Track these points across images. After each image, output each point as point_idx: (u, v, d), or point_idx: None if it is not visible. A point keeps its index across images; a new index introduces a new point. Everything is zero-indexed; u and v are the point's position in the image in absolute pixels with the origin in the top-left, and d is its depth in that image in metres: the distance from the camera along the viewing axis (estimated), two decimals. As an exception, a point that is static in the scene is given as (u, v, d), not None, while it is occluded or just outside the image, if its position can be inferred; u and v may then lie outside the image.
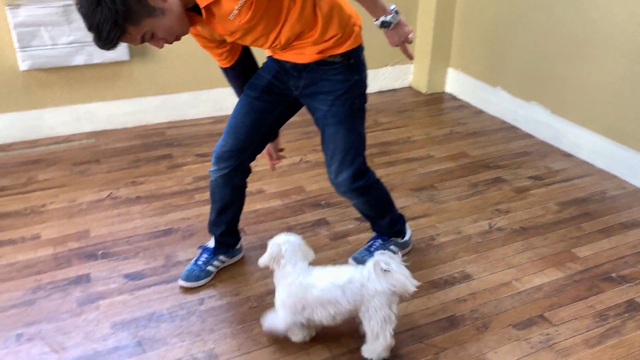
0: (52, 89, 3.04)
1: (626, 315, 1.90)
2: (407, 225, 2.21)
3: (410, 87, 3.99)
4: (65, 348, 1.75)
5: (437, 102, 3.77)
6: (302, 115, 3.49)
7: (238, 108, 1.86)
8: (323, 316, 1.65)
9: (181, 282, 2.01)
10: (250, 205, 2.53)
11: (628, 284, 2.04)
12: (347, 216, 2.46)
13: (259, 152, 1.95)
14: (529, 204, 2.56)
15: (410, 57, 1.78)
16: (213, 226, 2.07)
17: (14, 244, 2.24)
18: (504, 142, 3.17)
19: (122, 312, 1.90)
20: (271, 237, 2.29)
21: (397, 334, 1.80)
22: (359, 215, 2.46)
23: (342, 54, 1.72)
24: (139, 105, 3.26)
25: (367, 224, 2.40)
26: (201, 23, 1.58)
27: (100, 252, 2.19)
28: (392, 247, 2.11)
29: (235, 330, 1.84)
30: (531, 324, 1.86)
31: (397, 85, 3.96)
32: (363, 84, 1.83)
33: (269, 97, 1.83)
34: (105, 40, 1.39)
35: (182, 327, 1.85)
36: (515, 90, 3.35)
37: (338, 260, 2.17)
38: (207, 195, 2.60)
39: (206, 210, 2.48)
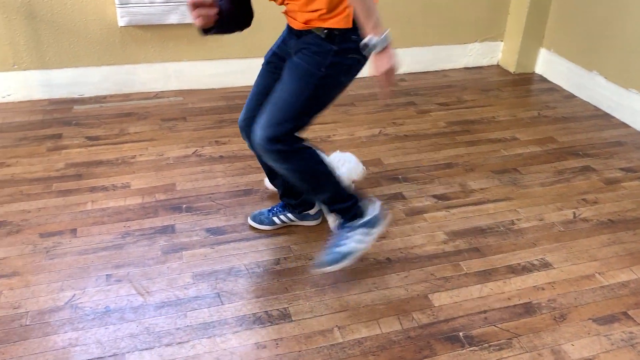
0: (146, 45, 3.16)
1: None
2: (375, 204, 1.88)
3: (498, 66, 3.84)
4: (150, 292, 1.86)
5: (525, 82, 3.62)
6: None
7: (256, 78, 1.90)
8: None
9: (248, 220, 2.19)
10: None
11: None
12: (425, 192, 2.43)
13: None
14: (619, 196, 2.43)
15: (384, 96, 1.68)
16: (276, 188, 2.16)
17: (106, 190, 2.38)
18: (595, 130, 3.00)
19: (203, 264, 1.98)
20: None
21: (469, 315, 1.80)
22: (437, 192, 2.44)
23: (326, 29, 1.62)
24: (226, 68, 3.33)
25: (445, 202, 2.37)
26: None
27: (184, 206, 2.29)
28: (357, 230, 1.84)
29: (308, 293, 1.88)
30: (613, 320, 1.78)
31: (484, 62, 3.82)
32: (343, 62, 1.64)
33: (275, 60, 1.82)
34: None
35: (258, 283, 1.91)
36: (613, 76, 3.14)
37: (413, 235, 2.16)
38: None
39: (285, 174, 2.53)
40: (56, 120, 2.93)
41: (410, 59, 3.63)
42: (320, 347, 1.67)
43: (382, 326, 1.76)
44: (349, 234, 1.84)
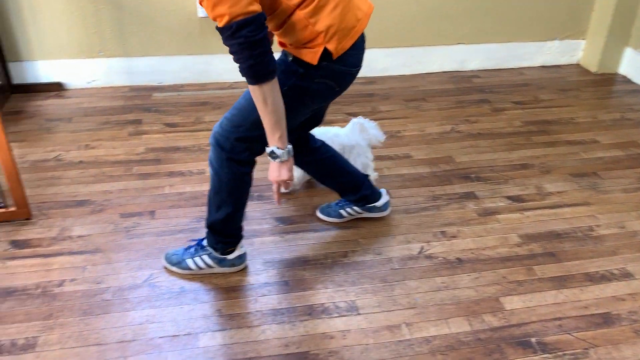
0: (222, 37, 3.24)
1: None
2: (241, 249, 1.90)
3: (578, 65, 3.68)
4: (222, 275, 1.91)
5: (607, 83, 3.44)
6: (457, 83, 3.39)
7: None
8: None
9: (317, 212, 2.22)
10: (396, 169, 2.53)
11: None
12: (498, 193, 2.37)
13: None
14: None
15: (277, 202, 1.71)
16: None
17: (182, 175, 2.46)
18: (685, 136, 2.83)
19: (273, 252, 2.02)
20: (416, 203, 2.30)
21: (542, 321, 1.74)
22: (511, 193, 2.37)
23: (295, 58, 1.61)
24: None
25: (520, 204, 2.30)
26: None
27: (256, 194, 2.33)
28: (204, 256, 1.88)
29: (376, 287, 1.88)
30: (701, 339, 1.68)
31: (563, 61, 3.67)
32: (309, 87, 1.62)
33: None
34: None
35: (326, 274, 1.93)
36: None
37: (485, 237, 2.12)
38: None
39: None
40: (137, 106, 3.06)
41: (484, 55, 3.54)
42: (388, 342, 1.67)
43: (451, 326, 1.73)
44: (202, 255, 1.88)
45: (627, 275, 1.93)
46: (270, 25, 1.58)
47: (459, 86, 3.37)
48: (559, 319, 1.76)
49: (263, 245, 2.06)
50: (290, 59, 1.62)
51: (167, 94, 3.21)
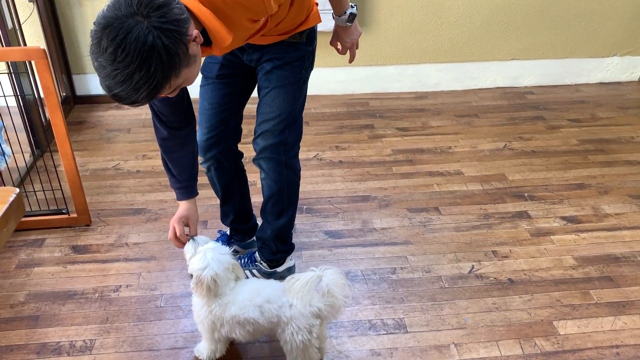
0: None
1: None
2: (292, 260, 1.95)
3: (638, 82, 3.55)
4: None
5: (671, 101, 3.31)
6: (510, 99, 3.33)
7: (202, 94, 1.74)
8: (242, 334, 1.52)
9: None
10: (447, 186, 2.51)
11: None
12: (553, 213, 2.30)
13: (240, 131, 1.84)
14: None
15: (352, 58, 1.76)
16: (223, 216, 2.01)
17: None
18: None
19: (320, 265, 2.03)
20: (467, 221, 2.27)
21: (599, 348, 1.68)
22: (567, 214, 2.30)
23: (301, 33, 1.60)
24: (349, 75, 3.38)
25: (575, 225, 2.23)
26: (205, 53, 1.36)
27: (305, 207, 2.36)
28: (254, 270, 1.92)
29: (425, 306, 1.86)
30: None
31: (623, 78, 3.55)
32: (313, 55, 1.70)
33: (227, 73, 1.69)
34: (144, 97, 1.12)
35: (374, 291, 1.92)
36: None
37: (539, 258, 2.06)
38: (405, 169, 2.65)
39: (403, 183, 2.53)
40: (360, 112, 3.14)
41: (539, 71, 3.46)
42: (436, 362, 1.65)
43: (502, 348, 1.69)
44: (252, 269, 1.92)
45: (692, 304, 1.83)
46: (281, 17, 1.50)
47: (512, 102, 3.31)
48: (617, 346, 1.69)
49: (311, 258, 2.07)
50: (303, 39, 1.60)
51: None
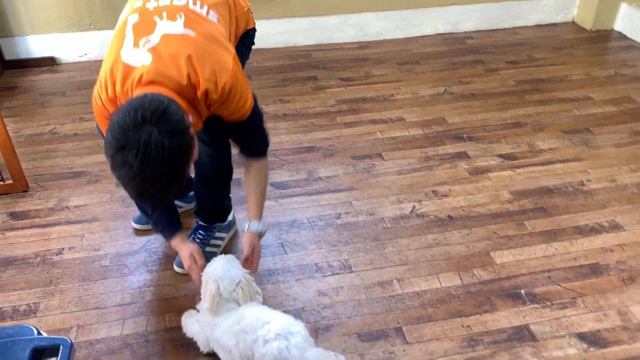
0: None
1: None
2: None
3: (573, 22, 3.64)
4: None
5: (602, 40, 3.41)
6: (451, 45, 3.37)
7: None
8: (224, 356, 1.43)
9: (134, 224, 1.99)
10: (389, 132, 2.54)
11: None
12: (490, 152, 2.38)
13: None
14: (703, 159, 2.29)
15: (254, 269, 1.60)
16: None
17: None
18: (678, 89, 2.82)
19: (267, 216, 2.04)
20: (409, 164, 2.32)
21: (532, 273, 1.77)
22: (502, 152, 2.38)
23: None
24: (290, 26, 3.34)
25: (512, 162, 2.31)
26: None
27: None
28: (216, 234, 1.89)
29: (368, 246, 1.91)
30: (687, 285, 1.71)
31: (558, 19, 3.63)
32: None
33: None
34: (175, 188, 1.24)
35: (320, 236, 1.96)
36: (703, 31, 2.91)
37: (476, 194, 2.14)
38: (348, 118, 2.67)
39: (347, 132, 2.56)
40: (302, 64, 3.12)
41: (479, 16, 3.50)
42: (380, 297, 1.71)
43: (442, 280, 1.77)
44: (215, 235, 1.89)
45: (616, 227, 1.95)
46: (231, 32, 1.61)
47: (453, 48, 3.35)
48: (548, 270, 1.79)
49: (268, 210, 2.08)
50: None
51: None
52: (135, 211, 2.00)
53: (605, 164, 2.28)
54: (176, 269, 1.81)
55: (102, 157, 2.38)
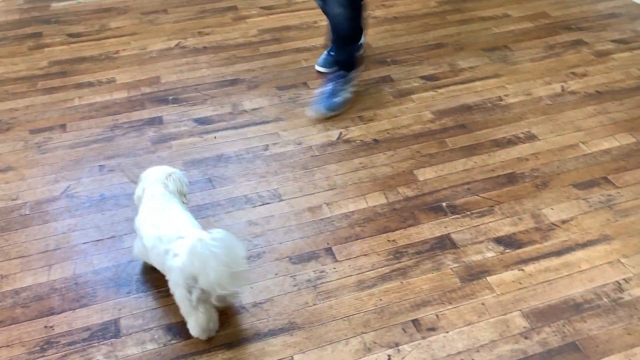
0: None
1: (697, 182, 1.84)
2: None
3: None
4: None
5: (520, -43, 3.44)
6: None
7: None
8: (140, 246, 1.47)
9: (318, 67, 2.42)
10: (314, 60, 2.51)
11: None
12: (413, 74, 2.41)
13: None
14: (609, 68, 2.41)
15: None
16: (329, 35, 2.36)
17: (91, 86, 2.36)
18: (590, 3, 2.91)
19: (193, 153, 2.02)
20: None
21: (452, 187, 1.85)
22: (424, 73, 2.41)
23: None
24: (205, -45, 3.16)
25: (434, 82, 2.35)
26: None
27: (171, 97, 2.28)
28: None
29: (297, 174, 1.93)
30: (593, 185, 1.84)
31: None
32: None
33: None
34: None
35: (248, 168, 1.96)
36: (612, -57, 2.99)
37: (400, 117, 2.17)
38: (272, 48, 2.61)
39: (271, 63, 2.51)
40: (35, 18, 2.85)
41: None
42: (310, 221, 1.75)
43: (369, 201, 1.82)
44: (344, 85, 2.22)
45: (531, 138, 2.05)
46: None
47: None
48: (468, 183, 1.87)
49: (182, 147, 2.05)
50: None
51: (66, 2, 2.99)
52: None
53: (521, 78, 2.36)
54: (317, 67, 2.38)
55: (12, 104, 2.25)
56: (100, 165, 1.97)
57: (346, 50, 2.23)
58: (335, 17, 2.13)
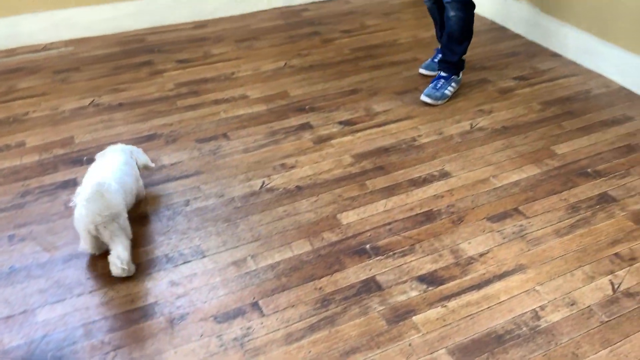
0: (25, -6, 2.93)
1: (597, 207, 1.97)
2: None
3: (398, -11, 3.85)
4: (56, 247, 1.82)
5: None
6: (287, 18, 3.41)
7: None
8: None
9: (421, 70, 2.82)
10: (233, 111, 2.53)
11: (602, 178, 2.10)
12: (331, 120, 2.47)
13: None
14: (513, 104, 2.57)
15: None
16: (439, 37, 2.78)
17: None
18: (492, 43, 3.12)
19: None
20: (255, 141, 2.33)
21: (375, 228, 1.89)
22: (342, 118, 2.48)
23: None
24: (117, 11, 3.15)
25: (351, 127, 2.42)
26: None
27: (85, 158, 2.21)
28: (452, 84, 2.61)
29: (220, 228, 1.90)
30: (505, 217, 1.93)
31: (385, -14, 3.82)
32: None
33: None
34: None
35: (168, 226, 1.91)
36: (505, -11, 3.24)
37: (321, 162, 2.21)
38: (189, 101, 2.62)
39: (189, 116, 2.50)
40: None
41: (311, -12, 3.58)
42: (235, 276, 1.72)
43: (294, 249, 1.82)
44: (452, 83, 2.60)
45: (445, 175, 2.13)
46: None
47: (289, 21, 3.39)
48: (389, 223, 1.91)
49: (99, 208, 1.97)
50: None
51: (-30, 65, 2.87)
52: None
53: (433, 118, 2.47)
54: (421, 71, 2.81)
55: None
56: (9, 235, 1.86)
57: (454, 52, 2.55)
58: (448, 19, 2.48)
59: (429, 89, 2.58)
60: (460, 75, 2.66)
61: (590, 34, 2.80)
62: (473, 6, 2.48)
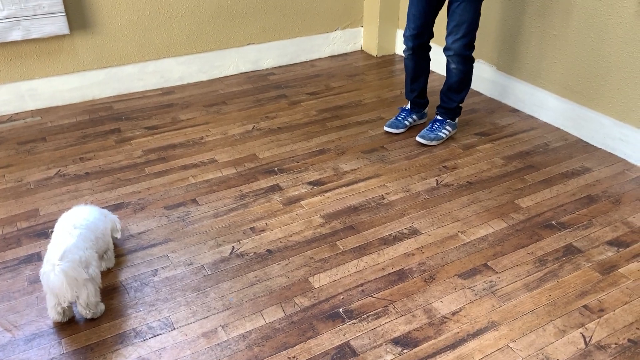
0: (-10, 66, 2.94)
1: (564, 259, 2.01)
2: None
3: (361, 51, 4.00)
4: (18, 326, 1.74)
5: (387, 64, 3.80)
6: (254, 82, 3.48)
7: (411, 3, 2.60)
8: None
9: (386, 128, 2.87)
10: (202, 176, 2.53)
11: (566, 230, 2.15)
12: (300, 181, 2.49)
13: (432, 33, 2.68)
14: (475, 159, 2.64)
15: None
16: (409, 93, 2.87)
17: (-41, 227, 2.19)
18: (452, 101, 3.23)
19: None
20: (224, 205, 2.33)
21: (347, 290, 1.88)
22: (311, 179, 2.50)
23: None
24: (84, 80, 3.18)
25: (320, 187, 2.44)
26: None
27: (50, 231, 2.16)
28: (447, 127, 2.78)
29: (189, 298, 1.86)
30: (475, 273, 1.95)
31: (348, 49, 3.96)
32: None
33: None
34: None
35: (137, 298, 1.86)
36: (462, 49, 3.39)
37: (291, 224, 2.21)
38: (157, 168, 2.61)
39: (157, 182, 2.49)
40: None
41: (276, 52, 3.68)
42: (205, 349, 1.67)
43: (266, 316, 1.79)
44: (446, 126, 2.76)
45: (414, 232, 2.16)
46: None
47: (257, 85, 3.46)
48: (361, 285, 1.91)
49: (63, 282, 1.91)
50: None
51: None
52: None
53: (400, 176, 2.52)
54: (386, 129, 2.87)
55: None
56: (-33, 316, 1.78)
57: (452, 99, 2.73)
58: (449, 71, 2.66)
59: (424, 131, 2.77)
60: (456, 120, 2.82)
61: (544, 90, 2.93)
62: (473, 60, 2.64)
